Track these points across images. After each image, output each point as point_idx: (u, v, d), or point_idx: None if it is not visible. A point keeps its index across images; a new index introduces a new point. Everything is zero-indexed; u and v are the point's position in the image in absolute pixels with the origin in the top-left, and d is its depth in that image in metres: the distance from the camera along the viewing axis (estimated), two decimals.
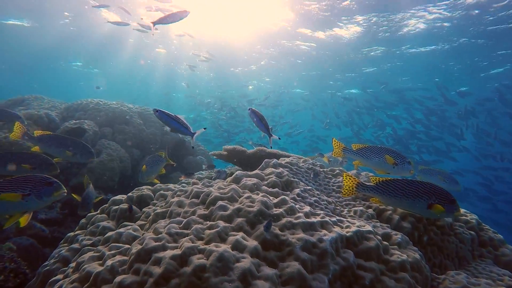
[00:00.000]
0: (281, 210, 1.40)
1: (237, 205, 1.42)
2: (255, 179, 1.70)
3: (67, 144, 2.49)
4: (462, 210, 2.06)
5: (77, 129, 3.85)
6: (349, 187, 1.85)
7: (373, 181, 1.83)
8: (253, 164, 2.67)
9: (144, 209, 1.88)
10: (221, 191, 1.54)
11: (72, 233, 1.96)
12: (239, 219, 1.33)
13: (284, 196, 1.49)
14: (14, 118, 3.17)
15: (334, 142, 2.26)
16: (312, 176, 2.05)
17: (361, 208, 1.80)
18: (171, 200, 1.65)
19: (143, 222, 1.70)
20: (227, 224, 1.30)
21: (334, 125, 14.08)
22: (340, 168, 2.36)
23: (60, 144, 2.47)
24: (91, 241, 1.65)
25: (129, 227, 1.54)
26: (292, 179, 1.80)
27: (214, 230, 1.25)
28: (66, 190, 1.73)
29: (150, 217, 1.62)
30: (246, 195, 1.48)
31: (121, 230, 1.49)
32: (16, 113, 3.37)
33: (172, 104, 21.05)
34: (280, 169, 1.88)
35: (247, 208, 1.38)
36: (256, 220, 1.33)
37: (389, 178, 1.79)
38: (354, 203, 1.94)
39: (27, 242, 2.96)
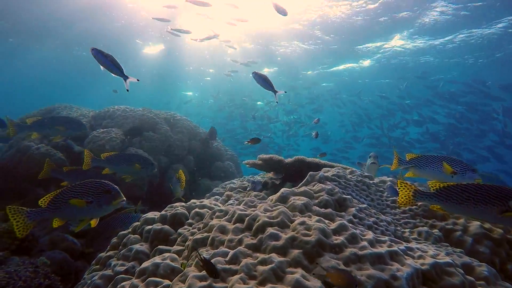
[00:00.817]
0: (341, 238, 1.19)
1: (290, 233, 1.23)
2: (304, 198, 1.50)
3: (133, 160, 2.58)
4: None
5: (137, 127, 4.13)
6: (406, 196, 1.60)
7: (432, 187, 1.58)
8: (291, 174, 2.47)
9: (179, 231, 1.72)
10: (268, 214, 1.35)
11: (104, 253, 1.84)
12: (295, 252, 1.14)
13: (342, 221, 1.28)
14: (76, 125, 3.15)
15: (395, 154, 2.04)
16: (364, 190, 1.83)
17: (426, 228, 1.56)
18: (211, 223, 1.48)
19: (180, 248, 1.54)
20: (282, 258, 1.11)
21: (365, 125, 13.67)
22: (391, 178, 2.12)
23: (127, 161, 2.56)
24: (125, 267, 1.51)
25: (167, 256, 1.39)
26: (344, 196, 1.58)
27: (268, 266, 1.07)
28: (125, 198, 1.67)
29: (188, 243, 1.46)
30: (298, 220, 1.28)
31: (158, 260, 1.33)
32: (79, 120, 3.34)
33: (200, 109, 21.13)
34: (330, 185, 1.67)
35: (302, 237, 1.18)
36: (315, 252, 1.13)
37: (451, 184, 1.54)
38: (414, 221, 1.70)
39: (60, 256, 2.91)
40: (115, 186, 1.64)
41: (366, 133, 13.90)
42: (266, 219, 1.30)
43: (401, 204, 1.60)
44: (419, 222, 1.68)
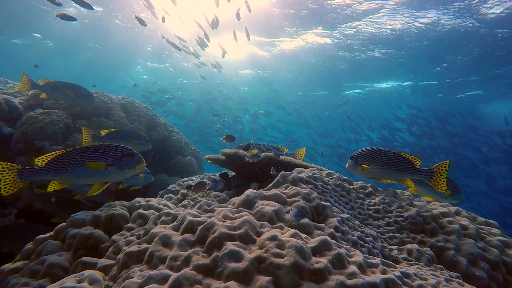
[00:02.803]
0: (324, 261, 0.89)
1: (256, 251, 0.90)
2: (275, 203, 1.18)
3: (131, 136, 2.62)
4: None
5: (86, 111, 3.86)
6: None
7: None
8: (257, 174, 2.15)
9: (114, 237, 1.34)
10: (228, 223, 1.02)
11: (9, 265, 1.41)
12: (263, 279, 0.82)
13: (324, 236, 0.98)
14: (87, 95, 3.25)
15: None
16: (343, 197, 1.55)
17: (416, 247, 1.31)
18: (153, 230, 1.12)
19: (110, 262, 1.17)
20: None
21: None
22: (371, 184, 1.87)
23: (126, 137, 2.59)
24: None
25: (85, 275, 1.00)
26: (323, 202, 1.29)
27: None
28: (145, 164, 1.62)
29: (120, 256, 1.08)
30: (268, 234, 0.96)
31: (69, 283, 0.94)
32: (91, 92, 3.37)
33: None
34: (306, 188, 1.37)
35: (273, 258, 0.86)
36: (290, 280, 0.82)
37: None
38: (400, 235, 1.45)
39: None
40: (137, 152, 1.58)
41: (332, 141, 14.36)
42: (225, 230, 0.96)
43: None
44: (406, 237, 1.43)
